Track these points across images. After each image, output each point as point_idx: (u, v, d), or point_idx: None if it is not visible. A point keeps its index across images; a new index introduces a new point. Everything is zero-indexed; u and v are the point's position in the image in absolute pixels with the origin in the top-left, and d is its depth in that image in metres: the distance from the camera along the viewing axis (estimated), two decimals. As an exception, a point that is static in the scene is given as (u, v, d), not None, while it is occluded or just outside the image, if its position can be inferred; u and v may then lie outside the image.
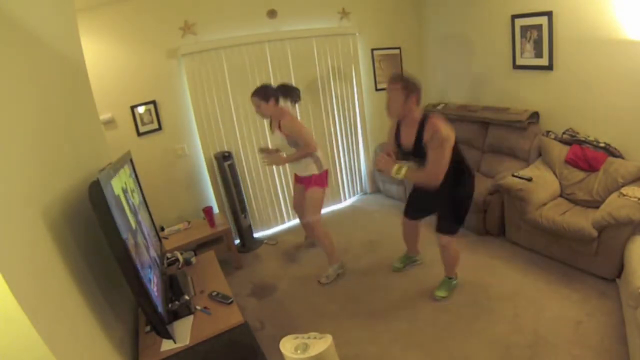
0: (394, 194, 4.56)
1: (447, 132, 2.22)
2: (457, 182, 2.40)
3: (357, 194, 4.86)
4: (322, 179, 3.06)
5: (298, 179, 3.22)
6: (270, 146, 3.28)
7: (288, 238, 4.07)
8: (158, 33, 3.41)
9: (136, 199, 2.21)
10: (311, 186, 3.03)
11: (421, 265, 3.20)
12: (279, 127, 2.94)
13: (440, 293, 2.74)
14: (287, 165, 4.16)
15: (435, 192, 2.36)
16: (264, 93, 2.87)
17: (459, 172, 2.40)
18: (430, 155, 2.27)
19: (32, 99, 1.56)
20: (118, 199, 1.68)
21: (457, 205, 2.51)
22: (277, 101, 2.92)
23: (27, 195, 1.29)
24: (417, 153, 2.38)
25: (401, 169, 2.34)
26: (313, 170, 3.00)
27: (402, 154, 2.56)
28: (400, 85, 2.28)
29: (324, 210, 3.46)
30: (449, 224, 2.57)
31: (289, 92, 3.01)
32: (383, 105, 4.59)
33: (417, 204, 2.85)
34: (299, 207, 3.37)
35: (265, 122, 3.96)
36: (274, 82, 3.90)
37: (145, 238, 2.05)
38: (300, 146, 2.92)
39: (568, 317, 2.38)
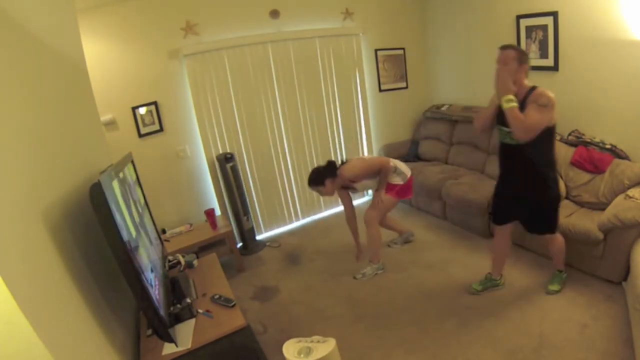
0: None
1: (554, 100, 2.08)
2: (545, 186, 2.31)
3: (364, 195, 4.82)
4: (404, 190, 3.18)
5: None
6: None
7: (290, 240, 4.05)
8: (159, 33, 3.40)
9: (138, 201, 2.19)
10: (389, 193, 3.13)
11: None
12: (353, 181, 3.09)
13: (554, 287, 2.62)
14: (290, 164, 4.19)
15: (523, 197, 2.35)
16: (317, 179, 3.02)
17: (547, 176, 2.29)
18: (530, 110, 2.09)
19: (32, 99, 1.55)
20: (119, 201, 1.66)
21: (548, 207, 2.41)
22: (332, 176, 3.02)
23: (26, 198, 1.28)
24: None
25: (513, 100, 2.11)
26: (398, 181, 3.15)
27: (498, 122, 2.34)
28: (514, 52, 2.12)
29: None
30: (546, 223, 2.45)
31: (333, 164, 3.10)
32: (387, 106, 4.70)
33: (505, 207, 2.56)
34: (385, 222, 3.45)
35: (276, 128, 3.98)
36: (278, 88, 3.95)
37: (146, 240, 2.04)
38: (377, 171, 3.08)
39: (574, 320, 2.35)
